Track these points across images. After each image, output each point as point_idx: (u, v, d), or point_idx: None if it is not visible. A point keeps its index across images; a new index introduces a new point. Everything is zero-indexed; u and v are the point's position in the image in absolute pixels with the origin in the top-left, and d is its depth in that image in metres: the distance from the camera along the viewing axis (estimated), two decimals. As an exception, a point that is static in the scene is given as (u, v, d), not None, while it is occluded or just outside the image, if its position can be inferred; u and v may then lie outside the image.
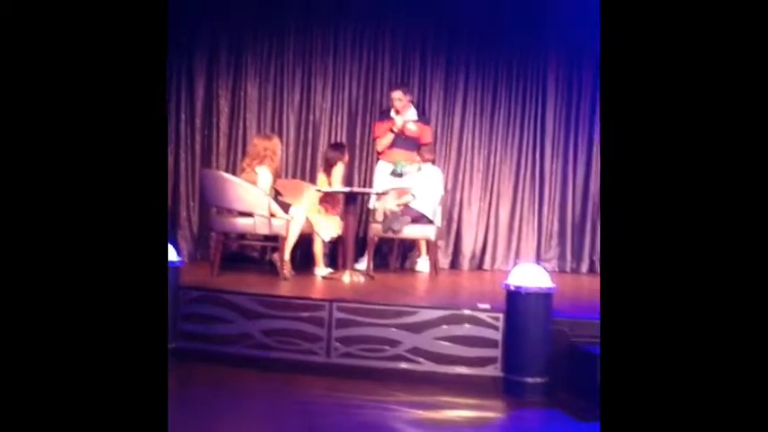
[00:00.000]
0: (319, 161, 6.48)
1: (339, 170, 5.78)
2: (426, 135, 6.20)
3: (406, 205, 5.78)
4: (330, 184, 5.71)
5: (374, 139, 6.36)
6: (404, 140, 6.13)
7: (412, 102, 6.30)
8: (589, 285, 6.04)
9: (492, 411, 3.61)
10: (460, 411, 3.59)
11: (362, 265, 5.81)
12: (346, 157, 5.94)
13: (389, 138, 6.13)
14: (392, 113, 6.19)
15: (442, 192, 5.94)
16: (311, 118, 6.60)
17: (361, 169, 6.62)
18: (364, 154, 6.63)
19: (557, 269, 6.63)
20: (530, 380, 3.69)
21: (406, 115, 6.16)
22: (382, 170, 6.22)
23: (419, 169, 5.99)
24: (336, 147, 5.97)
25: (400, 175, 6.03)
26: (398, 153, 6.14)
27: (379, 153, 6.30)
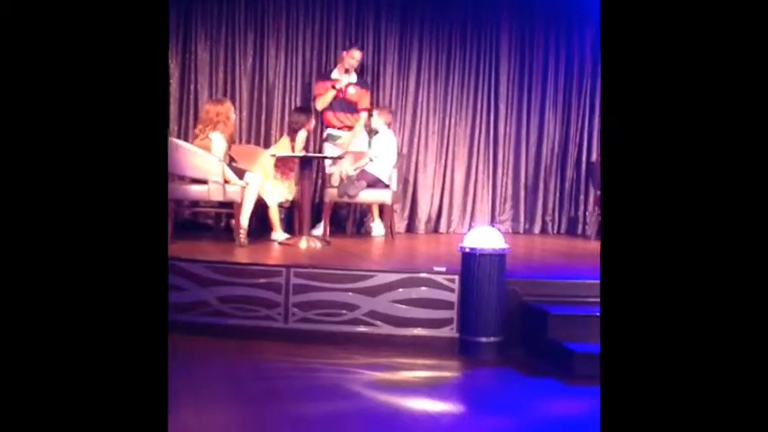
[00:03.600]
0: (274, 125, 6.42)
1: (302, 136, 5.73)
2: (364, 100, 6.17)
3: (362, 170, 5.78)
4: (293, 149, 5.66)
5: (314, 98, 6.29)
6: (342, 103, 6.11)
7: (360, 66, 6.24)
8: (541, 246, 6.18)
9: (448, 371, 3.69)
10: (417, 372, 3.66)
11: (319, 230, 5.82)
12: (311, 124, 5.89)
13: (330, 95, 6.08)
14: (335, 73, 6.15)
15: (396, 155, 5.96)
16: (264, 82, 6.50)
17: (316, 134, 6.57)
18: (320, 119, 6.59)
19: (510, 231, 6.74)
20: (484, 339, 3.78)
21: (350, 77, 6.13)
22: (361, 132, 6.23)
23: (371, 130, 6.01)
24: (302, 110, 5.90)
25: (335, 140, 6.05)
26: (332, 116, 6.14)
27: (321, 116, 6.25)
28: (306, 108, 6.04)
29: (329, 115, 6.17)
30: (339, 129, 6.18)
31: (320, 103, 6.17)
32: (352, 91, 6.10)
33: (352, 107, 6.13)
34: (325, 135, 6.22)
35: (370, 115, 6.04)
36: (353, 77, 6.15)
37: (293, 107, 6.29)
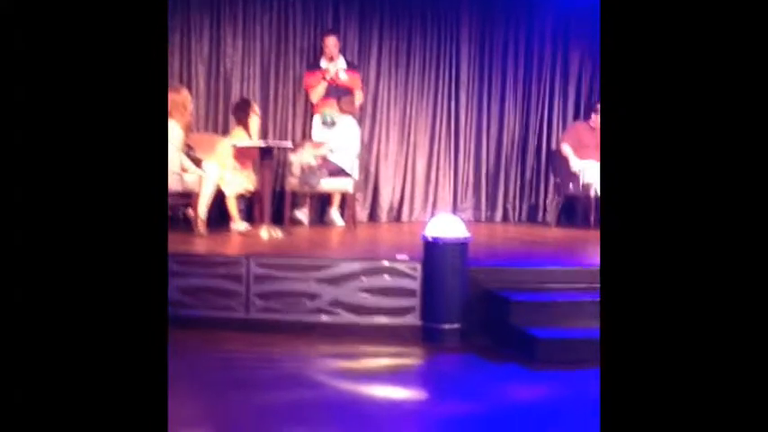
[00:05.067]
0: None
1: (254, 122, 5.65)
2: (357, 83, 6.13)
3: (323, 159, 5.74)
4: (249, 137, 5.57)
5: (306, 91, 6.22)
6: (336, 90, 6.03)
7: (340, 50, 6.18)
8: (503, 234, 6.23)
9: (411, 358, 3.70)
10: (381, 360, 3.66)
11: (301, 216, 5.85)
12: (255, 109, 5.78)
13: (323, 87, 6.01)
14: (323, 63, 6.07)
15: (358, 144, 5.92)
16: (222, 69, 6.39)
17: (276, 122, 6.49)
18: (279, 106, 6.50)
19: (472, 219, 6.78)
20: (447, 326, 3.79)
21: (338, 63, 6.05)
22: (317, 123, 6.12)
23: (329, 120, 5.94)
24: (240, 105, 5.75)
25: (333, 124, 5.94)
26: (333, 103, 6.02)
27: (314, 105, 6.17)
28: (242, 101, 5.84)
29: (327, 102, 6.04)
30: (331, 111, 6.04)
31: (314, 96, 6.09)
32: (343, 76, 6.03)
33: (346, 92, 6.04)
34: (322, 117, 6.03)
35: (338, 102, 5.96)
36: (342, 62, 6.08)
37: (241, 98, 6.14)
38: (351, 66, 6.19)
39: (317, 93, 6.06)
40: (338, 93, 6.03)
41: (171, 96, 5.17)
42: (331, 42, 6.04)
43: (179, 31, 6.27)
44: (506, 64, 6.91)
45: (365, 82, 6.62)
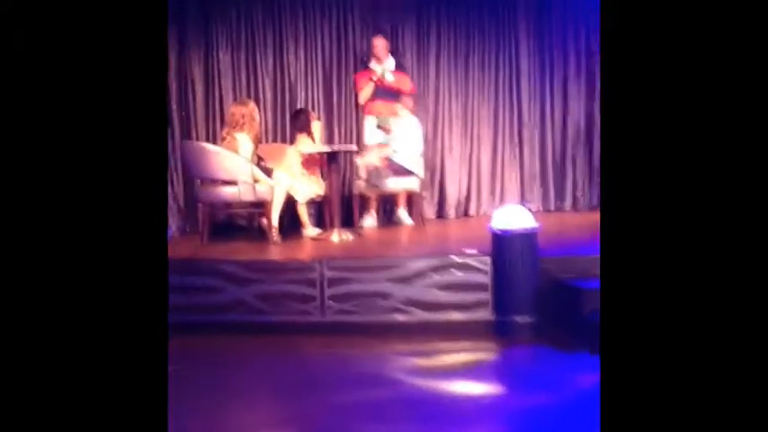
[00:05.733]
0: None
1: (317, 127, 5.78)
2: (406, 84, 6.16)
3: (388, 160, 5.81)
4: (314, 142, 5.71)
5: (356, 93, 6.33)
6: (384, 91, 6.07)
7: (390, 51, 6.24)
8: (572, 222, 6.15)
9: (485, 353, 3.73)
10: (455, 356, 3.70)
11: (370, 221, 5.91)
12: (314, 116, 5.91)
13: (370, 88, 6.06)
14: (372, 64, 6.16)
15: (422, 143, 5.97)
16: (287, 80, 6.57)
17: (341, 127, 6.62)
18: (343, 111, 6.62)
19: (541, 209, 6.72)
20: (519, 319, 3.80)
21: (386, 64, 6.13)
22: (370, 125, 6.19)
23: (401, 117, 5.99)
24: (298, 114, 5.88)
25: (387, 130, 6.03)
26: (380, 105, 6.08)
27: (363, 107, 6.25)
28: (299, 110, 5.99)
29: (375, 105, 6.10)
30: (386, 117, 6.11)
31: (362, 97, 6.16)
32: (390, 78, 6.08)
33: (394, 94, 6.09)
34: (374, 126, 6.13)
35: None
36: (390, 64, 6.14)
37: (305, 106, 6.28)
38: (400, 67, 6.22)
39: (363, 94, 6.12)
40: (386, 94, 6.07)
41: (239, 110, 5.37)
42: (379, 43, 6.09)
43: (244, 47, 6.48)
44: (567, 49, 6.80)
45: (425, 79, 6.66)
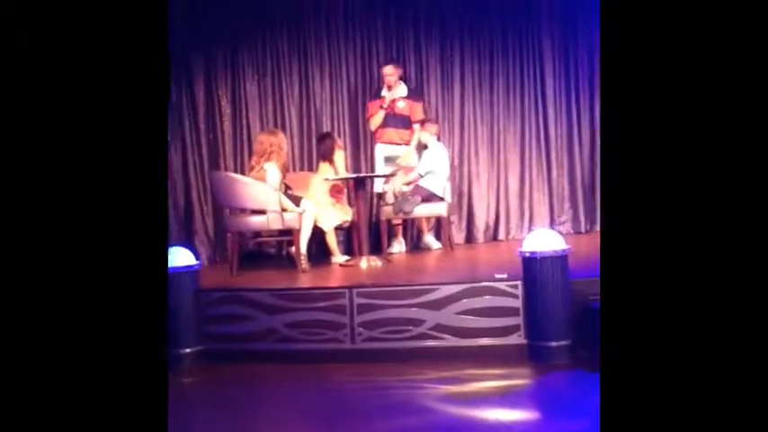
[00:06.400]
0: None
1: (340, 157, 5.81)
2: (417, 112, 6.16)
3: (415, 185, 5.81)
4: (336, 172, 5.74)
5: (368, 119, 6.36)
6: (395, 118, 6.10)
7: (402, 78, 6.26)
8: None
9: (519, 379, 3.65)
10: (488, 382, 3.63)
11: (397, 248, 5.89)
12: (340, 143, 5.96)
13: (381, 116, 6.10)
14: (383, 91, 6.19)
15: (448, 167, 5.96)
16: (312, 108, 6.63)
17: (366, 154, 6.64)
18: (368, 138, 6.66)
19: (572, 231, 6.64)
20: (554, 343, 3.73)
21: (396, 92, 6.14)
22: (379, 154, 6.23)
23: (420, 144, 6.00)
24: (323, 138, 5.94)
25: (395, 163, 6.05)
26: (392, 132, 6.13)
27: (374, 134, 6.29)
28: (324, 135, 6.05)
29: (385, 132, 6.16)
30: (397, 144, 6.16)
31: (373, 123, 6.21)
32: (401, 105, 6.11)
33: (405, 121, 6.13)
34: (383, 157, 6.20)
35: (422, 128, 6.03)
36: (401, 91, 6.16)
37: (323, 132, 6.33)
38: (412, 94, 6.23)
39: (374, 121, 6.16)
40: (396, 122, 6.09)
41: (268, 139, 5.42)
42: (387, 71, 6.12)
43: (270, 76, 6.58)
44: (593, 71, 6.77)
45: (450, 104, 6.67)
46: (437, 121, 6.30)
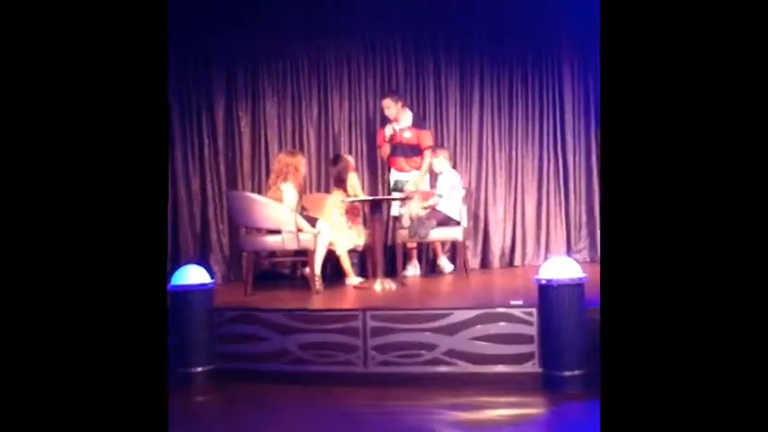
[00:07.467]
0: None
1: (354, 178, 5.82)
2: (425, 139, 6.15)
3: (431, 209, 5.80)
4: (350, 194, 5.75)
5: (378, 148, 6.40)
6: (403, 148, 6.13)
7: (405, 106, 6.24)
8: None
9: (533, 408, 3.60)
10: (501, 410, 3.58)
11: (412, 271, 5.86)
12: (353, 164, 5.97)
13: (387, 147, 6.17)
14: (387, 124, 6.21)
15: (462, 191, 5.95)
16: (331, 131, 6.67)
17: (384, 178, 6.66)
18: (385, 163, 6.67)
19: (588, 259, 6.58)
20: (568, 373, 3.68)
21: (401, 122, 6.15)
22: (392, 178, 6.27)
23: (431, 170, 6.00)
24: (336, 161, 5.96)
25: (401, 189, 6.07)
26: (401, 161, 6.16)
27: (387, 161, 6.33)
28: (336, 156, 6.07)
29: (396, 161, 6.21)
30: (407, 172, 6.17)
31: (383, 153, 6.29)
32: (407, 135, 6.12)
33: (414, 149, 6.15)
34: (392, 183, 6.24)
35: (434, 154, 6.04)
36: (406, 120, 6.16)
37: (336, 154, 6.32)
38: (418, 124, 6.22)
39: (383, 151, 6.25)
40: (405, 151, 6.11)
41: (286, 159, 5.45)
42: (385, 104, 6.12)
43: (290, 98, 6.64)
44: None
45: (468, 130, 6.68)
46: (446, 148, 6.31)
